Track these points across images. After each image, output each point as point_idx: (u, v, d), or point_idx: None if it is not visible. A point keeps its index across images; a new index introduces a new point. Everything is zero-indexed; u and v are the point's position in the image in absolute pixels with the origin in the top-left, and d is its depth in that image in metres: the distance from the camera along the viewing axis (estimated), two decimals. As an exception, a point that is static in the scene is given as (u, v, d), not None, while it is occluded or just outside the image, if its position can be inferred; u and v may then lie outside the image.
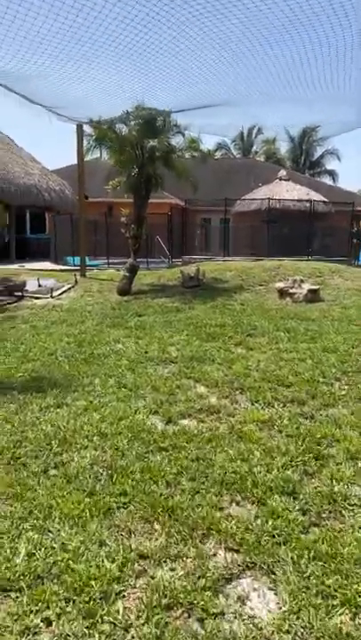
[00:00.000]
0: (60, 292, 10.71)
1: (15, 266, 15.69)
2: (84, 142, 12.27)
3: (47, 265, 16.53)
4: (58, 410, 4.38)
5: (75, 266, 15.81)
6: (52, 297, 10.19)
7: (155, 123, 10.24)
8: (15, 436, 3.81)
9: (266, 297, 10.55)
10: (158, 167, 10.71)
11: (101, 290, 11.23)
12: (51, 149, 53.59)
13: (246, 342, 6.67)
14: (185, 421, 4.11)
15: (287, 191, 19.95)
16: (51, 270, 14.73)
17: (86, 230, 13.31)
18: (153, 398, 4.61)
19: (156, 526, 2.66)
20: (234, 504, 2.89)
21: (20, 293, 10.22)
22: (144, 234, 11.53)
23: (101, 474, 3.21)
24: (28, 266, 15.77)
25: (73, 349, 6.41)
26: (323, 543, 2.50)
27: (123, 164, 10.62)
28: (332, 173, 39.28)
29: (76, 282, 11.82)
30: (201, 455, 3.45)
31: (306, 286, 10.09)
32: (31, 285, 11.43)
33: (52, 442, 3.68)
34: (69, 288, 11.27)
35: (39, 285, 11.64)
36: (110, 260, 16.78)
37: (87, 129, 11.87)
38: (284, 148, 39.88)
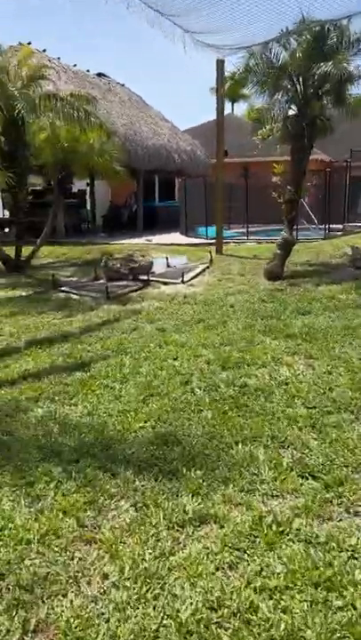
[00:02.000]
0: (192, 275, 8.85)
1: (142, 240, 14.32)
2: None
3: (177, 237, 14.89)
4: (201, 532, 2.45)
5: (208, 238, 13.92)
6: (183, 282, 8.37)
7: (325, 40, 7.56)
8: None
9: None
10: (327, 104, 8.06)
11: (243, 272, 9.12)
12: (181, 109, 51.94)
13: None
14: None
15: None
16: (180, 245, 13.02)
17: (221, 196, 11.19)
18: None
19: None
20: None
21: (145, 277, 8.58)
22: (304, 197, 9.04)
23: None
24: (156, 239, 14.29)
25: (215, 375, 4.44)
26: None
27: (276, 103, 8.17)
28: None
29: (211, 261, 9.87)
30: None
31: None
32: (159, 266, 9.77)
33: None
34: (203, 270, 9.36)
35: (168, 266, 9.93)
36: (249, 229, 14.54)
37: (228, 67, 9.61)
38: None
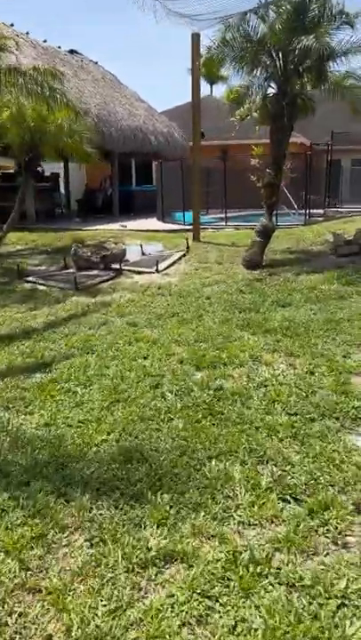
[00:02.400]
0: (167, 263, 8.43)
1: (116, 225, 13.77)
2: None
3: (153, 223, 14.38)
4: (165, 574, 2.10)
5: (185, 224, 13.45)
6: (157, 271, 7.95)
7: (306, 12, 7.10)
8: None
9: None
10: (308, 82, 7.64)
11: (221, 260, 8.72)
12: (157, 92, 50.72)
13: None
14: None
15: None
16: (156, 231, 12.53)
17: (198, 179, 10.72)
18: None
19: None
20: None
21: (117, 266, 8.12)
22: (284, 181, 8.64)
23: None
24: (132, 225, 13.76)
25: (189, 377, 4.07)
26: None
27: (255, 80, 7.71)
28: None
29: (187, 248, 9.45)
30: None
31: None
32: (133, 253, 9.31)
33: None
34: (179, 258, 8.94)
35: (142, 254, 9.48)
36: (228, 215, 14.11)
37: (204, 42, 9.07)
38: None
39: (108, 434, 3.25)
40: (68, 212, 19.64)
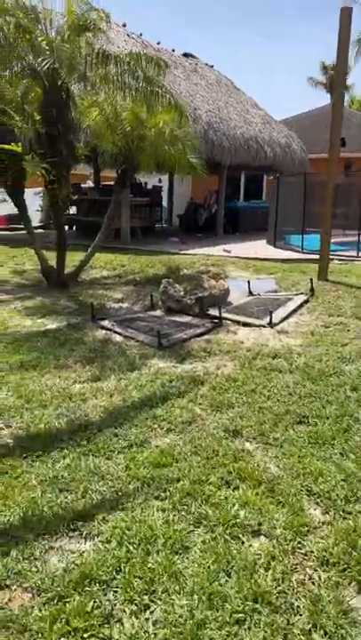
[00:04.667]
0: (284, 313, 6.30)
1: (218, 249, 11.89)
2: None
3: (262, 248, 12.30)
4: None
5: (303, 251, 11.22)
6: (270, 325, 5.85)
7: None
8: None
9: None
10: None
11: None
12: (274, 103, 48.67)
13: None
14: None
15: None
16: (267, 260, 10.42)
17: (331, 197, 8.44)
18: None
19: None
20: None
21: (217, 313, 6.16)
22: None
23: None
24: (237, 249, 11.81)
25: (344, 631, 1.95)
26: None
27: None
28: None
29: (311, 291, 7.23)
30: None
31: None
32: (237, 292, 7.34)
33: None
34: (301, 305, 6.76)
35: (250, 293, 7.45)
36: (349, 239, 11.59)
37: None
38: None
39: None
40: (170, 227, 18.27)
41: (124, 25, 14.59)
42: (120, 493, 2.90)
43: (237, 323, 6.06)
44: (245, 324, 5.99)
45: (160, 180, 18.66)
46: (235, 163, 14.75)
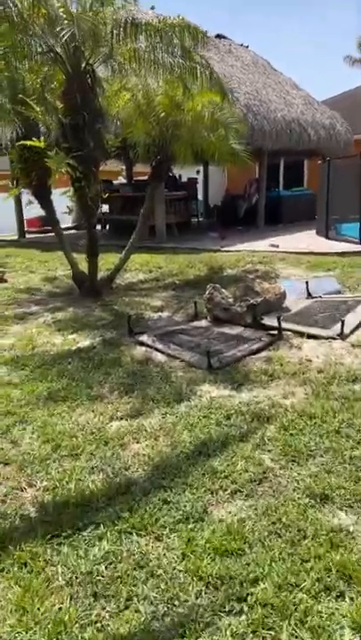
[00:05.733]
0: (357, 320, 5.34)
1: (262, 243, 10.94)
2: None
3: (313, 240, 11.26)
4: None
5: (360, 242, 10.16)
6: (341, 337, 4.92)
7: None
8: None
9: None
10: None
11: None
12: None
13: None
14: None
15: None
16: (322, 254, 9.41)
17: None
18: None
19: None
20: None
21: (274, 323, 5.26)
22: None
23: None
24: (283, 242, 10.84)
25: None
26: None
27: None
28: None
29: (383, 291, 6.23)
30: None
31: None
32: (293, 293, 6.43)
33: None
34: (374, 308, 5.78)
35: (308, 294, 6.52)
36: None
37: None
38: None
39: None
40: (207, 220, 17.39)
41: (153, 7, 13.74)
42: (177, 603, 2.11)
43: (300, 334, 5.15)
44: (311, 336, 5.08)
45: (198, 172, 17.77)
46: (276, 148, 13.70)
